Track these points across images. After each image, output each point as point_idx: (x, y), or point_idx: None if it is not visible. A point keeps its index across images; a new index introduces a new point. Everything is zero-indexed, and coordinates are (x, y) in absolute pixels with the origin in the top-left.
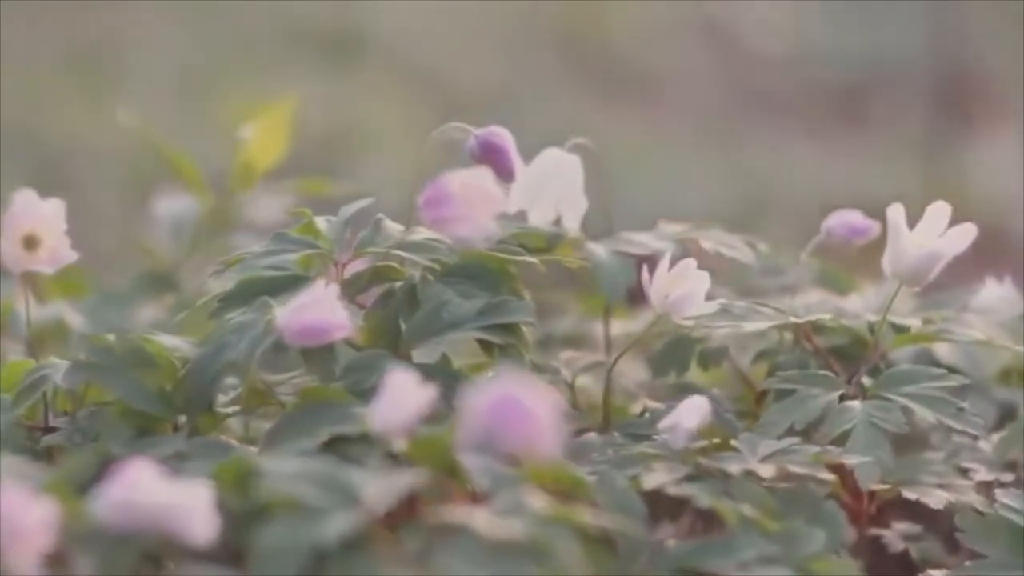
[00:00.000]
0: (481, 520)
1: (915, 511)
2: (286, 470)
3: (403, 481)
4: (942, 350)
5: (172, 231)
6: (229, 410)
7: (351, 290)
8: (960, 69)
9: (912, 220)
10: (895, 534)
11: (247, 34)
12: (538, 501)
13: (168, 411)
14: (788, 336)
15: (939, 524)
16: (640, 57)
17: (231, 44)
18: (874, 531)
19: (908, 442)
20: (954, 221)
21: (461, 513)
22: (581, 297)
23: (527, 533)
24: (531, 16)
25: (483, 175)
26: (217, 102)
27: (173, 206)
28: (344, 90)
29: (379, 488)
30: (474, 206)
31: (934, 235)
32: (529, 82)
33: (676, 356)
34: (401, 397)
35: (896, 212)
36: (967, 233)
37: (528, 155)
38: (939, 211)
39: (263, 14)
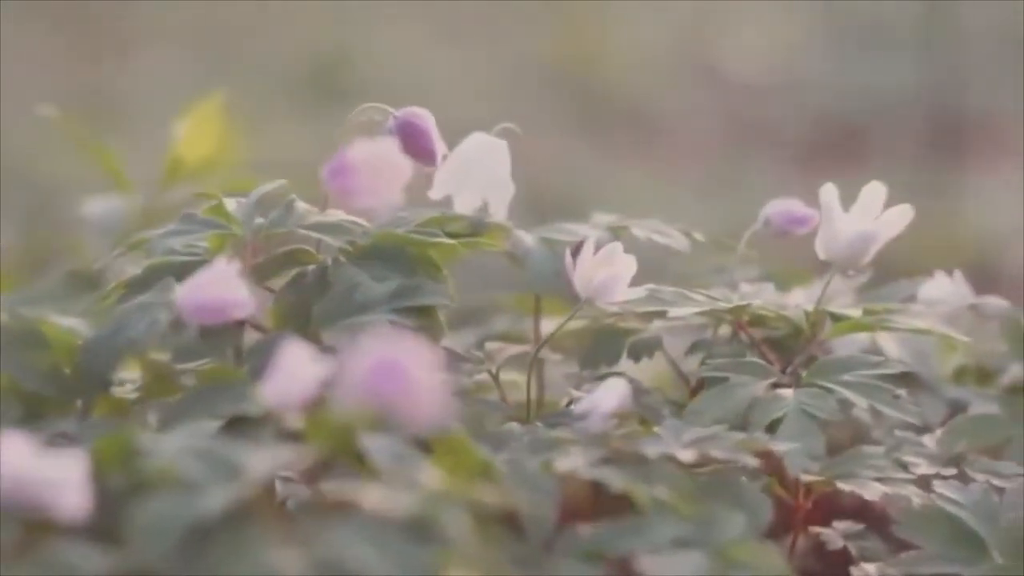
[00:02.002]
0: (370, 496)
1: (861, 513)
2: (168, 446)
3: (286, 455)
4: (891, 347)
5: (101, 231)
6: (132, 396)
7: (262, 274)
8: (957, 106)
9: (907, 254)
10: (835, 532)
11: (241, 75)
12: (432, 478)
13: (64, 393)
14: (727, 330)
15: (884, 525)
16: (634, 94)
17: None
18: (814, 529)
19: (851, 439)
20: (948, 256)
21: (351, 489)
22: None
23: (416, 509)
24: (523, 55)
25: (389, 146)
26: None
27: (102, 206)
28: (334, 130)
29: (261, 462)
30: (380, 178)
31: (869, 217)
32: (522, 121)
33: (606, 348)
34: (294, 372)
35: (829, 193)
36: (903, 215)
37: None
38: (874, 192)
39: (254, 51)
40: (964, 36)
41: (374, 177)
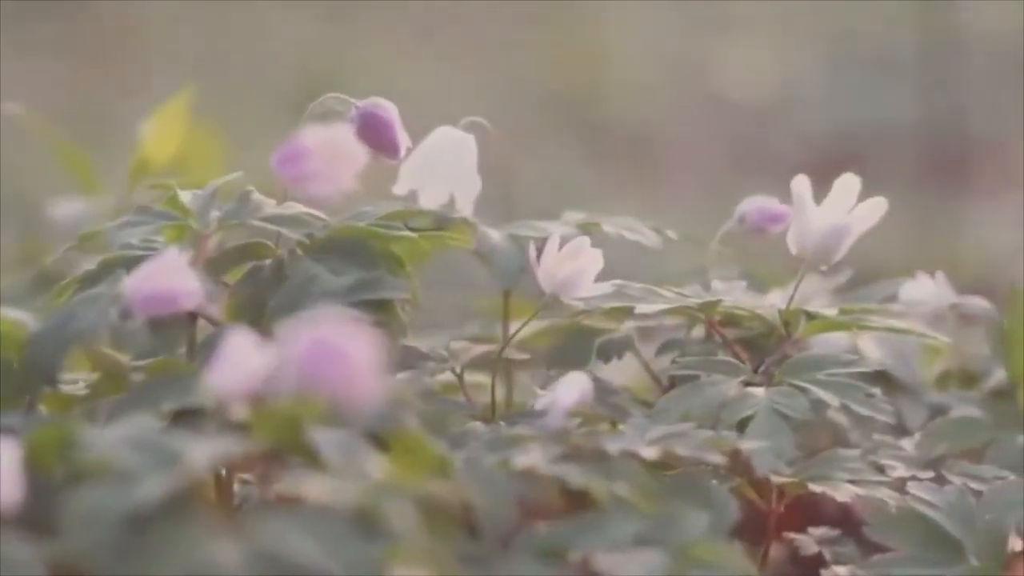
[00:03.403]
0: (315, 488)
1: (841, 519)
2: (106, 437)
3: (226, 446)
4: (872, 350)
5: (68, 232)
6: (82, 393)
7: (219, 267)
8: (957, 132)
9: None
10: (810, 538)
11: (240, 100)
12: (380, 470)
13: (12, 388)
14: (702, 331)
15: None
16: (633, 118)
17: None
18: (788, 535)
19: (829, 444)
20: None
21: (296, 481)
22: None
23: (360, 500)
24: (519, 78)
25: (342, 131)
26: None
27: (69, 208)
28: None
29: (200, 452)
30: (332, 164)
31: (841, 210)
32: (519, 145)
33: (575, 348)
34: (239, 362)
35: (801, 185)
36: (876, 208)
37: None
38: (847, 185)
39: (253, 78)
40: (965, 62)
41: (327, 163)
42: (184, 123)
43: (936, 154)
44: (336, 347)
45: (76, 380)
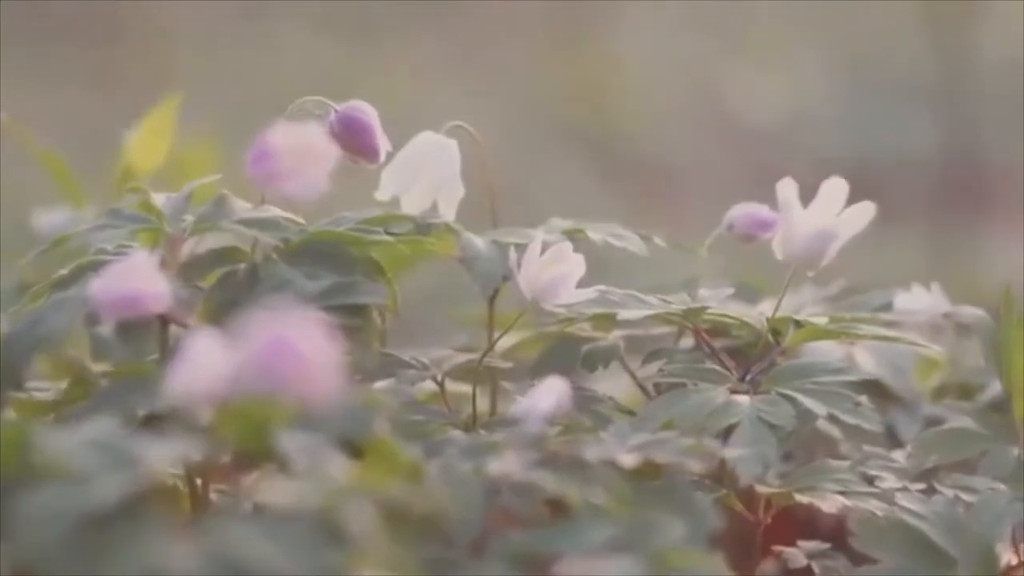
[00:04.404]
0: (276, 490)
1: (835, 533)
2: (63, 439)
3: (185, 448)
4: (867, 362)
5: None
6: (50, 399)
7: (193, 271)
8: (974, 160)
9: None
10: (799, 551)
11: (254, 121)
12: (344, 474)
13: None
14: (690, 342)
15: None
16: (648, 141)
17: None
18: (776, 548)
19: (821, 456)
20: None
21: (258, 484)
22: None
23: (322, 504)
24: (533, 101)
25: (312, 129)
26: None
27: (52, 218)
28: (350, 181)
29: (158, 454)
30: (303, 161)
31: (829, 214)
32: (537, 172)
33: (560, 357)
34: (202, 363)
35: (787, 189)
36: (864, 212)
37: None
38: (835, 188)
39: (267, 101)
40: (983, 88)
41: (297, 161)
42: (169, 133)
43: (954, 181)
44: (292, 345)
45: (48, 388)
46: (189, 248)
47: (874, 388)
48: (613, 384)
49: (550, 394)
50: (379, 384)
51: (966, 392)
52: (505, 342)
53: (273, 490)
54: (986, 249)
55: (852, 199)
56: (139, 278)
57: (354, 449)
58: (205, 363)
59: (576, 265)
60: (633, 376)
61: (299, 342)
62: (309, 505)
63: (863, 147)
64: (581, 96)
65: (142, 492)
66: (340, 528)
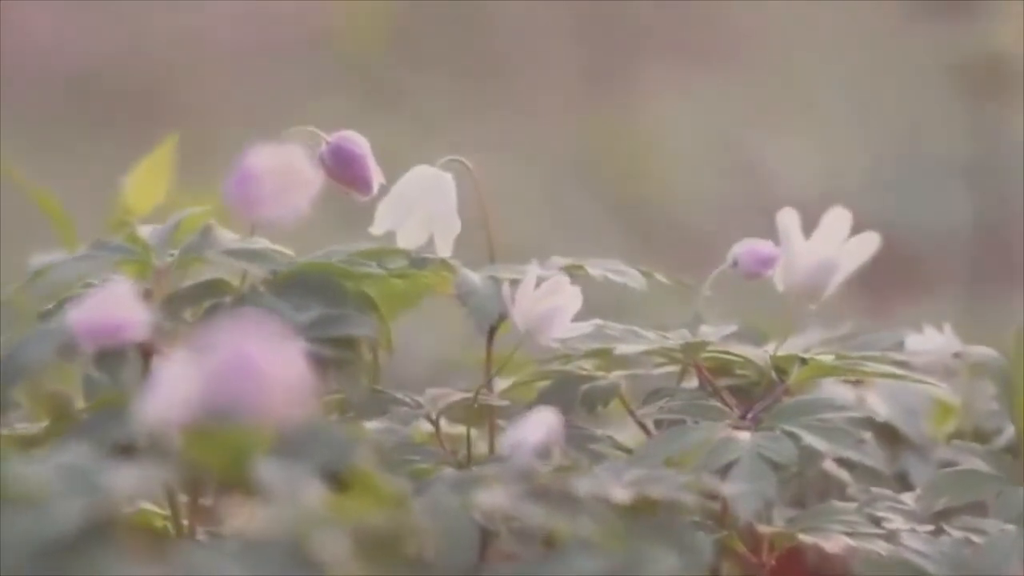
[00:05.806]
0: (248, 516)
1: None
2: (27, 465)
3: (151, 473)
4: (878, 405)
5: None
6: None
7: (179, 303)
8: (1010, 234)
9: None
10: None
11: None
12: (318, 501)
13: None
14: (694, 382)
15: None
16: (679, 209)
17: None
18: None
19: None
20: None
21: (224, 509)
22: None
23: (294, 530)
24: (561, 162)
25: (293, 152)
26: None
27: (47, 259)
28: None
29: (123, 480)
30: (284, 185)
31: (832, 244)
32: (566, 233)
33: (558, 396)
34: (172, 388)
35: (788, 219)
36: (868, 243)
37: None
38: (837, 219)
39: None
40: (1016, 166)
41: (278, 184)
42: (167, 172)
43: (989, 256)
44: (251, 361)
45: (33, 426)
46: (177, 280)
47: (886, 432)
48: (617, 430)
49: (539, 427)
50: (372, 423)
51: (981, 437)
52: (504, 381)
53: (245, 515)
54: (1017, 319)
55: (888, 272)
56: (118, 307)
57: (339, 482)
58: (175, 387)
59: (572, 298)
60: (632, 413)
61: (260, 357)
62: (280, 531)
63: (899, 220)
64: (618, 167)
65: (108, 518)
66: (310, 554)
